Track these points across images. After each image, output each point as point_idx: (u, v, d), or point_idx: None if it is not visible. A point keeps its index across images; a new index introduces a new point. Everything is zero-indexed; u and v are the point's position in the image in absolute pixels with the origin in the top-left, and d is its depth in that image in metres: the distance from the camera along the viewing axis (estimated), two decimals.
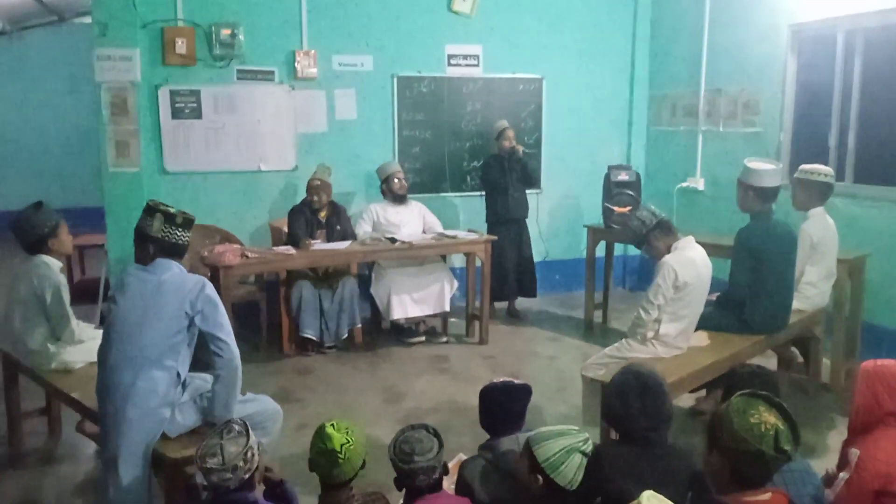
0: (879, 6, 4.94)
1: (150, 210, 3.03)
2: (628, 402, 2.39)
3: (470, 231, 6.00)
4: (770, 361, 4.70)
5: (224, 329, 2.98)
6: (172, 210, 3.03)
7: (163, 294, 2.92)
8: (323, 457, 2.40)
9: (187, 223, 3.06)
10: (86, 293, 6.12)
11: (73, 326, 3.69)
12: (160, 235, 2.99)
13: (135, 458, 2.85)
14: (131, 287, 2.97)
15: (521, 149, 6.18)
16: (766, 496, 2.05)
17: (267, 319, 5.81)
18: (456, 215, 6.79)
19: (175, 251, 3.04)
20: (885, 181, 5.10)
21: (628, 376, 2.47)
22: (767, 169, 3.97)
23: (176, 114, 5.89)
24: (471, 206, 6.84)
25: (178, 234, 3.02)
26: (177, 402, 2.96)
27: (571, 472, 2.29)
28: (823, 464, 3.21)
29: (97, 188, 6.12)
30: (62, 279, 3.69)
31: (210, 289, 3.00)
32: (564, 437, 2.34)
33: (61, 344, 3.66)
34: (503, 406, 2.72)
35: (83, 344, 3.68)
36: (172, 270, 2.99)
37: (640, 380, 2.43)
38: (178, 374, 2.95)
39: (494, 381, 2.81)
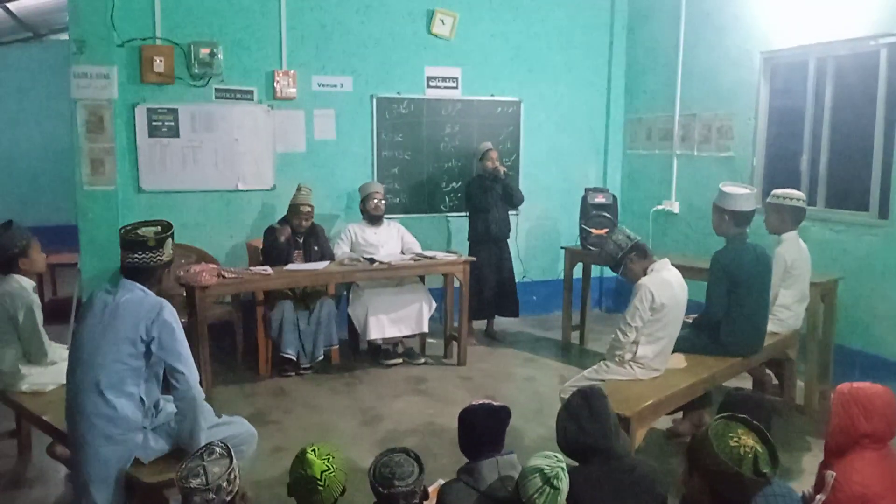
0: (849, 35, 5.07)
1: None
2: (579, 417, 2.54)
3: (448, 252, 6.01)
4: (745, 383, 4.75)
5: (181, 358, 2.84)
6: (123, 230, 2.91)
7: (118, 317, 2.81)
8: (302, 483, 2.36)
9: (134, 245, 2.88)
10: (57, 313, 6.02)
11: (45, 347, 3.62)
12: (121, 257, 2.93)
13: (107, 483, 2.79)
14: (93, 309, 2.88)
15: (503, 170, 6.22)
16: None
17: (242, 340, 5.75)
18: (434, 236, 6.80)
19: (133, 274, 2.90)
20: (856, 206, 5.20)
21: (574, 397, 2.66)
22: (743, 193, 4.04)
23: (153, 132, 5.85)
24: (449, 227, 6.86)
25: (130, 256, 2.89)
26: (150, 427, 2.89)
27: (529, 490, 2.30)
28: (798, 486, 3.23)
29: (70, 206, 6.04)
30: (35, 299, 3.63)
31: (168, 313, 2.86)
32: (541, 459, 2.36)
33: (33, 365, 3.60)
34: (483, 429, 2.69)
35: (55, 365, 3.61)
36: (133, 293, 2.87)
37: (584, 395, 2.62)
38: (143, 401, 2.85)
39: (474, 403, 2.80)
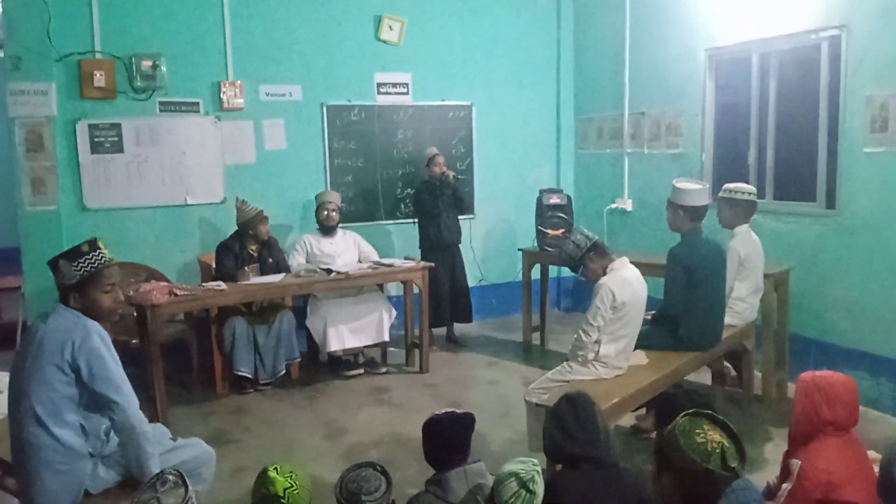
0: (790, 30, 5.17)
1: None
2: (565, 424, 2.51)
3: (406, 258, 5.95)
4: (704, 376, 4.80)
5: (113, 386, 2.71)
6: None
7: (43, 344, 2.69)
8: (265, 502, 2.29)
9: (54, 270, 2.80)
10: (1, 339, 5.79)
11: None
12: None
13: None
14: (28, 336, 2.78)
15: (451, 174, 6.19)
16: None
17: (198, 358, 5.61)
18: (391, 243, 6.75)
19: (61, 298, 2.81)
20: (803, 197, 5.31)
21: (560, 402, 2.62)
22: (696, 188, 4.08)
23: (95, 148, 5.66)
24: (406, 234, 6.80)
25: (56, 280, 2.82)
26: (100, 455, 2.78)
27: (505, 496, 2.29)
28: (762, 475, 3.27)
29: (12, 228, 5.81)
30: None
31: (96, 340, 2.71)
32: (516, 464, 2.36)
33: None
34: (448, 438, 2.65)
35: (2, 394, 3.45)
36: (65, 317, 2.75)
37: (571, 401, 2.59)
38: (84, 428, 2.73)
39: (437, 412, 2.75)
